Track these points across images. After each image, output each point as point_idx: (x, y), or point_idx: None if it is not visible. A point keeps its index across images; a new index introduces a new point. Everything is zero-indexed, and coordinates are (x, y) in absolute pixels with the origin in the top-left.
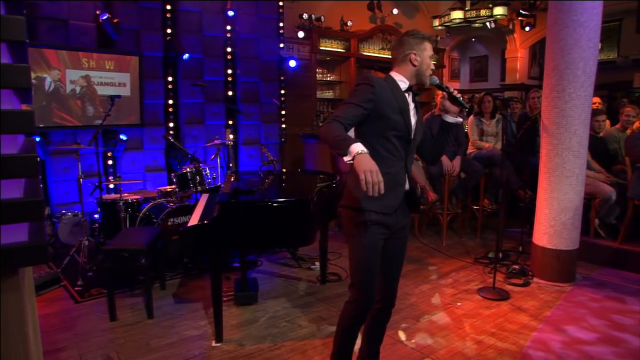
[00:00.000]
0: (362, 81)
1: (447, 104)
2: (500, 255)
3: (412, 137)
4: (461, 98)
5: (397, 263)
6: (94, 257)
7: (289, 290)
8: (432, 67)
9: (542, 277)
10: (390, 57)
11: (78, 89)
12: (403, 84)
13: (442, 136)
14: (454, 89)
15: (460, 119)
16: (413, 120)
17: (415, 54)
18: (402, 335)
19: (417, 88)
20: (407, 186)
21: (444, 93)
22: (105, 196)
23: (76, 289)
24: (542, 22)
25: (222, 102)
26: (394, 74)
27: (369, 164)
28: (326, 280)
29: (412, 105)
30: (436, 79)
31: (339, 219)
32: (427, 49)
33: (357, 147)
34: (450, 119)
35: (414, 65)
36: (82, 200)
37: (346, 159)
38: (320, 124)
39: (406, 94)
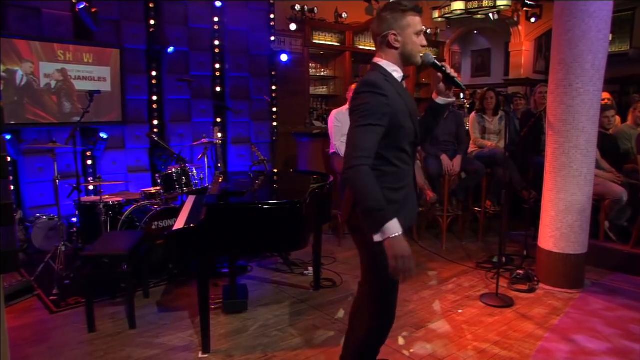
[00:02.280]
0: (368, 89)
1: (442, 85)
2: (504, 259)
3: (419, 136)
4: (457, 77)
5: None
6: (72, 263)
7: (281, 297)
8: (423, 42)
9: (549, 283)
10: None
11: (53, 83)
12: (397, 74)
13: (431, 119)
14: (450, 69)
15: (452, 98)
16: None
17: (395, 34)
18: (400, 344)
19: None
20: (416, 193)
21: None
22: (84, 198)
23: (51, 298)
24: (548, 12)
25: (209, 98)
26: (384, 63)
27: (402, 250)
28: (320, 286)
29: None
30: (431, 57)
31: (334, 221)
32: (411, 23)
33: (393, 228)
34: (442, 100)
35: (396, 48)
36: (59, 203)
37: (376, 237)
38: (351, 162)
39: (402, 83)
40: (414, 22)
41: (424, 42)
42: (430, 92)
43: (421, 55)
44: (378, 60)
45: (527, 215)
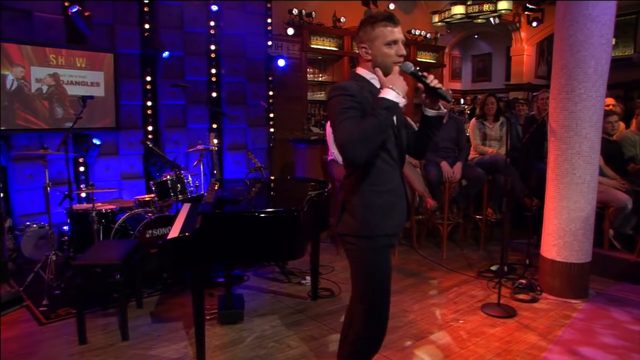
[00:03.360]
0: (335, 93)
1: (424, 97)
2: (506, 268)
3: (401, 140)
4: (442, 88)
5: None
6: (62, 273)
7: (278, 307)
8: (400, 52)
9: (552, 293)
10: None
11: (45, 88)
12: (375, 81)
13: (425, 132)
14: (433, 78)
15: (444, 110)
16: (395, 120)
17: (364, 47)
18: (399, 356)
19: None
20: (406, 197)
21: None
22: (76, 206)
23: (41, 309)
24: (550, 17)
25: (205, 104)
26: (361, 71)
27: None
28: (318, 296)
29: None
30: (410, 66)
31: (331, 230)
32: (379, 35)
33: (390, 94)
34: (430, 112)
35: (368, 60)
36: (50, 211)
37: (397, 99)
38: (349, 142)
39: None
40: (384, 32)
41: (401, 52)
42: None
43: (398, 64)
44: (359, 70)
45: (529, 223)
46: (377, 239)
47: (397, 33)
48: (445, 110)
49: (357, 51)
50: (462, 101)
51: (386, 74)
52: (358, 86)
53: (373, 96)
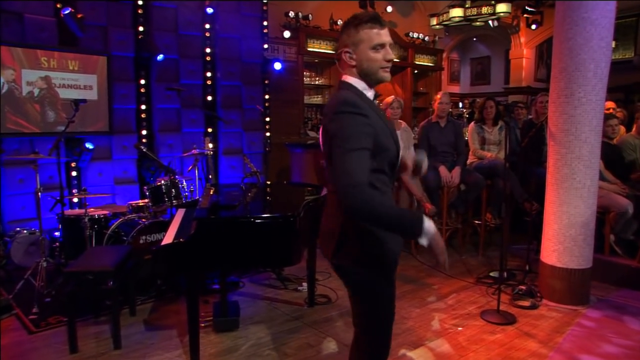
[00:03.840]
0: (348, 109)
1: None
2: (505, 274)
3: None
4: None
5: None
6: (53, 280)
7: (274, 314)
8: (388, 56)
9: (552, 299)
10: None
11: (36, 91)
12: (368, 92)
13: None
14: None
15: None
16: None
17: (348, 52)
18: None
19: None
20: None
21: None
22: (68, 211)
23: (31, 317)
24: (549, 19)
25: (200, 107)
26: (354, 81)
27: (441, 241)
28: (314, 302)
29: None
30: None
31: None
32: (365, 38)
33: (430, 226)
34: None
35: (352, 66)
36: (41, 217)
37: (422, 241)
38: (349, 195)
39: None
40: (369, 35)
41: (389, 56)
42: (427, 101)
43: (385, 70)
44: (346, 77)
45: (529, 228)
46: (387, 264)
47: (385, 36)
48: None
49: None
50: (460, 105)
51: (372, 81)
52: (366, 104)
53: (380, 116)
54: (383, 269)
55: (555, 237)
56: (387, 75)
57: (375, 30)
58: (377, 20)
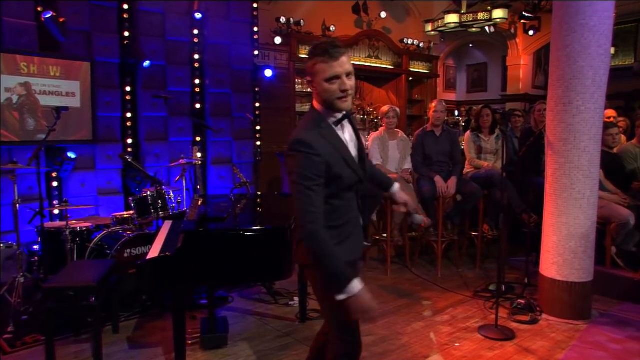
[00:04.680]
0: (302, 149)
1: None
2: (503, 288)
3: (362, 180)
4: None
5: None
6: (31, 297)
7: (264, 330)
8: (343, 87)
9: (552, 314)
10: (377, 66)
11: (15, 98)
12: (330, 118)
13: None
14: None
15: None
16: (354, 152)
17: (310, 81)
18: None
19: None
20: (362, 222)
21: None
22: (48, 224)
23: (5, 336)
24: (547, 25)
25: (188, 116)
26: (319, 108)
27: (366, 304)
28: (306, 318)
29: (348, 135)
30: (419, 220)
31: None
32: (319, 71)
33: (354, 288)
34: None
35: (317, 95)
36: (18, 229)
37: (339, 297)
38: (306, 237)
39: (339, 127)
40: (322, 68)
41: (344, 87)
42: (423, 109)
43: (343, 100)
44: (314, 102)
45: (527, 240)
46: None
47: (338, 67)
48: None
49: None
50: (456, 113)
51: (330, 107)
52: (322, 137)
53: (334, 145)
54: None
55: (554, 249)
56: (345, 104)
57: (328, 64)
58: (327, 53)
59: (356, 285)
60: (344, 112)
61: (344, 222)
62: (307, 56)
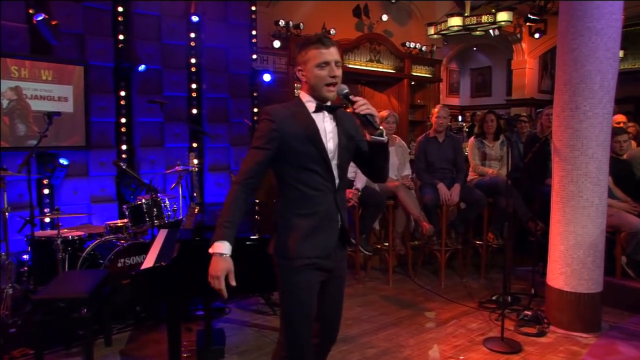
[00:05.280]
0: (262, 116)
1: (358, 122)
2: (509, 298)
3: (337, 163)
4: (374, 117)
5: (338, 303)
6: (20, 308)
7: (262, 342)
8: (333, 73)
9: (560, 326)
10: (378, 70)
11: (5, 102)
12: (311, 104)
13: (371, 158)
14: (363, 105)
15: (384, 138)
16: (332, 144)
17: (300, 70)
18: None
19: (339, 101)
20: (339, 221)
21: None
22: (39, 233)
23: None
24: (554, 28)
25: (184, 121)
26: (302, 94)
27: (215, 269)
28: None
29: (330, 126)
30: (343, 88)
31: None
32: (311, 57)
33: (220, 247)
34: (370, 138)
35: (304, 82)
36: (7, 238)
37: (209, 249)
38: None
39: (320, 115)
40: (315, 54)
41: (334, 73)
42: (425, 114)
43: (328, 88)
44: (300, 92)
45: (533, 250)
46: (294, 259)
47: (328, 55)
48: (386, 138)
49: (349, 65)
50: (460, 118)
51: (319, 96)
52: (290, 112)
53: (299, 122)
54: (291, 261)
55: (562, 258)
56: (330, 94)
57: (319, 50)
58: (321, 42)
59: (223, 246)
60: (328, 104)
61: (312, 212)
62: (296, 50)
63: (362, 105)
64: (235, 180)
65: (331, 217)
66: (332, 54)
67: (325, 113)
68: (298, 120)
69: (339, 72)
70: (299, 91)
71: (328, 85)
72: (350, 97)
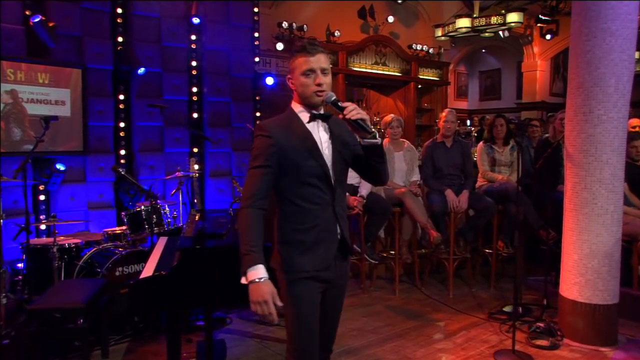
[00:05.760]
0: (257, 133)
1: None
2: (520, 309)
3: (335, 174)
4: (365, 120)
5: (335, 312)
6: (14, 319)
7: (264, 354)
8: (318, 80)
9: (575, 339)
10: (384, 73)
11: (1, 106)
12: (304, 114)
13: (367, 160)
14: (354, 110)
15: (376, 140)
16: (328, 153)
17: (289, 78)
18: None
19: (329, 109)
20: (339, 233)
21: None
22: (34, 240)
23: None
24: (566, 29)
25: (185, 126)
26: (294, 104)
27: (260, 295)
28: None
29: (325, 136)
30: (331, 96)
31: None
32: (297, 65)
33: (256, 273)
34: (363, 141)
35: (294, 91)
36: (2, 246)
37: (242, 280)
38: (239, 211)
39: (314, 125)
40: (300, 62)
41: (319, 80)
42: (432, 119)
43: (318, 94)
44: (292, 102)
45: (545, 259)
46: (293, 273)
47: (314, 62)
48: (379, 140)
49: (354, 67)
50: (468, 122)
51: (307, 104)
52: (284, 125)
53: (296, 136)
54: (291, 274)
55: (575, 268)
56: (318, 99)
57: (305, 58)
58: (305, 49)
59: (257, 272)
60: (321, 113)
61: (311, 226)
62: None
63: (352, 111)
64: (243, 205)
65: (330, 229)
66: (318, 61)
67: (320, 122)
68: (295, 134)
69: (326, 79)
70: (292, 101)
71: (315, 92)
72: (339, 103)
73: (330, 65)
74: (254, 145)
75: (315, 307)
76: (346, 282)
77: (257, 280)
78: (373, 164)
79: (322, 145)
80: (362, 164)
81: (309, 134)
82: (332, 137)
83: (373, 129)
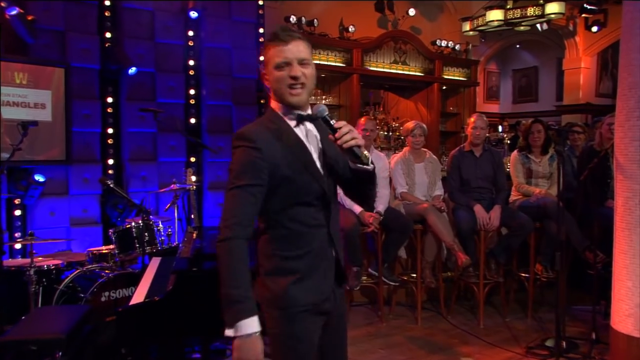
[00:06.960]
0: (239, 143)
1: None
2: (564, 344)
3: (328, 188)
4: (360, 147)
5: (341, 347)
6: None
7: None
8: (294, 72)
9: None
10: (404, 73)
11: None
12: (290, 116)
13: (356, 184)
14: (345, 132)
15: (370, 166)
16: (318, 163)
17: (264, 73)
18: None
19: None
20: (334, 256)
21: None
22: (8, 261)
23: None
24: (616, 20)
25: (181, 132)
26: (275, 105)
27: (254, 354)
28: None
29: (314, 142)
30: (323, 110)
31: None
32: (270, 57)
33: (250, 327)
34: (351, 165)
35: (271, 88)
36: None
37: (227, 332)
38: (219, 241)
39: (302, 129)
40: (273, 53)
41: (293, 73)
42: (459, 124)
43: (291, 91)
44: (271, 101)
45: (593, 285)
46: (286, 309)
47: (288, 52)
48: (372, 167)
49: (369, 67)
50: (500, 128)
51: (282, 101)
52: (269, 133)
53: (287, 145)
54: (279, 316)
55: (629, 297)
56: (294, 98)
57: (278, 48)
58: (277, 37)
59: (250, 325)
60: (308, 114)
61: (304, 253)
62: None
63: (346, 135)
64: (226, 234)
65: (325, 254)
66: (293, 50)
67: (307, 125)
68: (285, 143)
69: (305, 70)
70: (271, 100)
71: (290, 87)
72: (332, 122)
73: (344, 64)
74: (234, 159)
75: (314, 345)
76: (345, 311)
77: (251, 334)
78: (362, 189)
79: (314, 156)
80: (347, 181)
81: (301, 143)
82: (322, 143)
83: (368, 154)
